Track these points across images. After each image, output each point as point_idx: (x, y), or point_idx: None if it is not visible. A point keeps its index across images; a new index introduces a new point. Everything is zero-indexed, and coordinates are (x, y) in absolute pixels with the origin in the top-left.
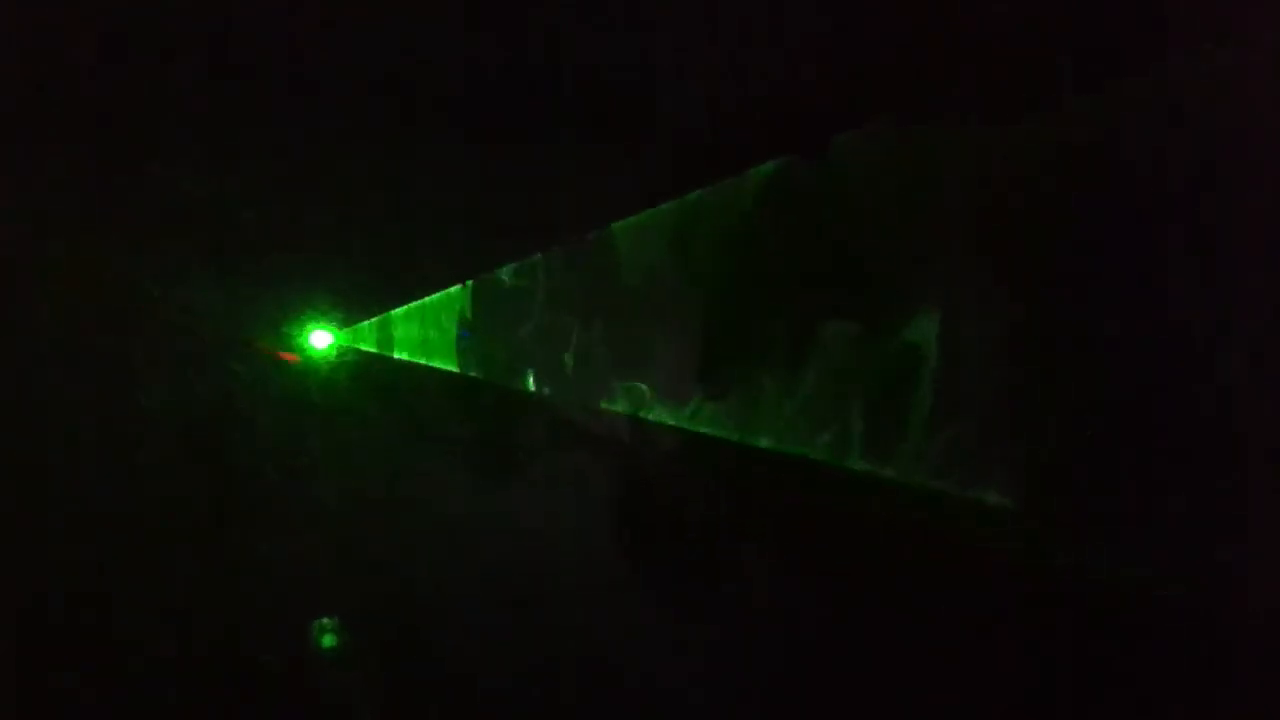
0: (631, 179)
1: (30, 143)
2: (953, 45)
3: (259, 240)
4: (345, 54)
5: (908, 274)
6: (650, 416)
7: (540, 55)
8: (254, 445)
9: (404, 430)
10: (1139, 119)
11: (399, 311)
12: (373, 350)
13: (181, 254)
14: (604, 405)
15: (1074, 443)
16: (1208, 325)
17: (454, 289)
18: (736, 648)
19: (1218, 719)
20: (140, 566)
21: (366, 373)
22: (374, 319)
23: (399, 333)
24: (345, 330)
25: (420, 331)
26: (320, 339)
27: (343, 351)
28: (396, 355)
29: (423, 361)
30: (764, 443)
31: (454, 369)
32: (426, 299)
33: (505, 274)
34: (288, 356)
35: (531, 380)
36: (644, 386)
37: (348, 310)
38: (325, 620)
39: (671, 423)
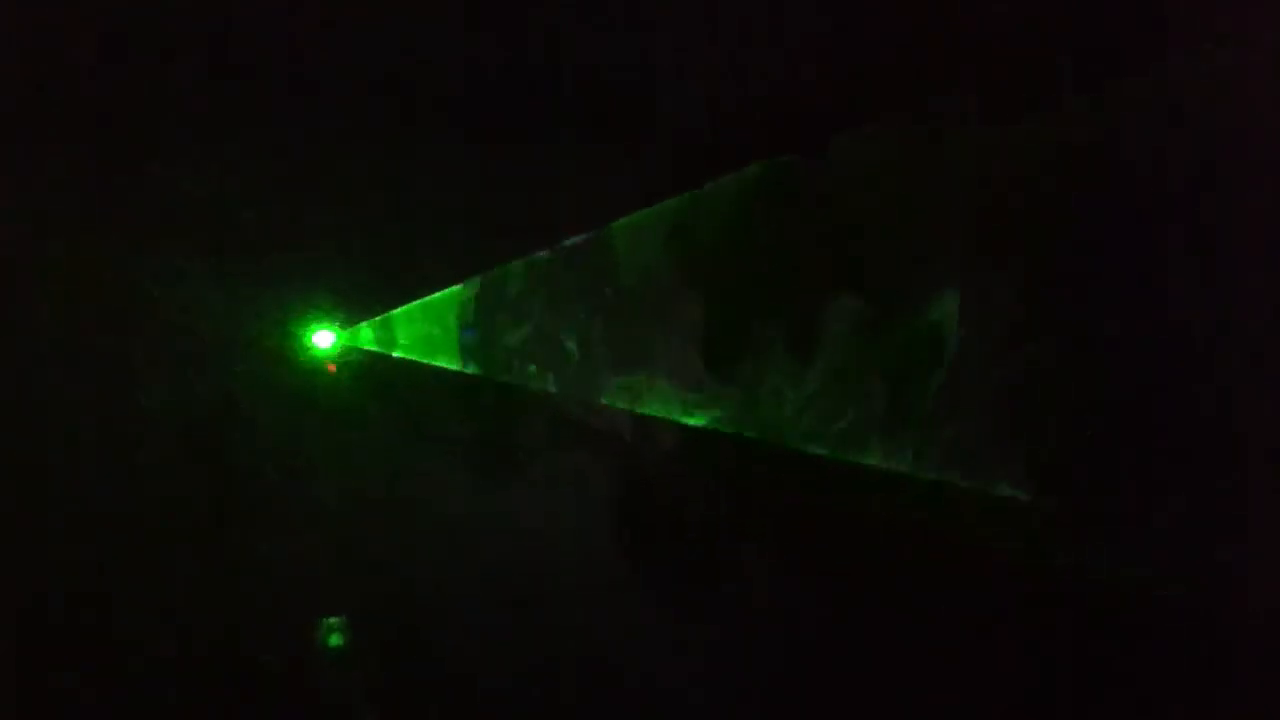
0: (631, 179)
1: (30, 143)
2: (953, 45)
3: (259, 240)
4: (345, 54)
5: (907, 274)
6: (652, 413)
7: (540, 55)
8: (254, 445)
9: (404, 430)
10: (1139, 119)
11: (399, 311)
12: (373, 350)
13: (181, 254)
14: (604, 402)
15: (1074, 442)
16: (1208, 325)
17: (455, 288)
18: (736, 648)
19: (1218, 718)
20: (140, 566)
21: (367, 372)
22: (374, 318)
23: (398, 332)
24: (345, 330)
25: (421, 330)
26: (320, 339)
27: (342, 351)
28: (396, 355)
29: (423, 361)
30: (765, 437)
31: (455, 367)
32: (427, 298)
33: (507, 272)
34: (288, 356)
35: (531, 379)
36: (644, 383)
37: (348, 310)
38: (325, 620)
39: (674, 419)
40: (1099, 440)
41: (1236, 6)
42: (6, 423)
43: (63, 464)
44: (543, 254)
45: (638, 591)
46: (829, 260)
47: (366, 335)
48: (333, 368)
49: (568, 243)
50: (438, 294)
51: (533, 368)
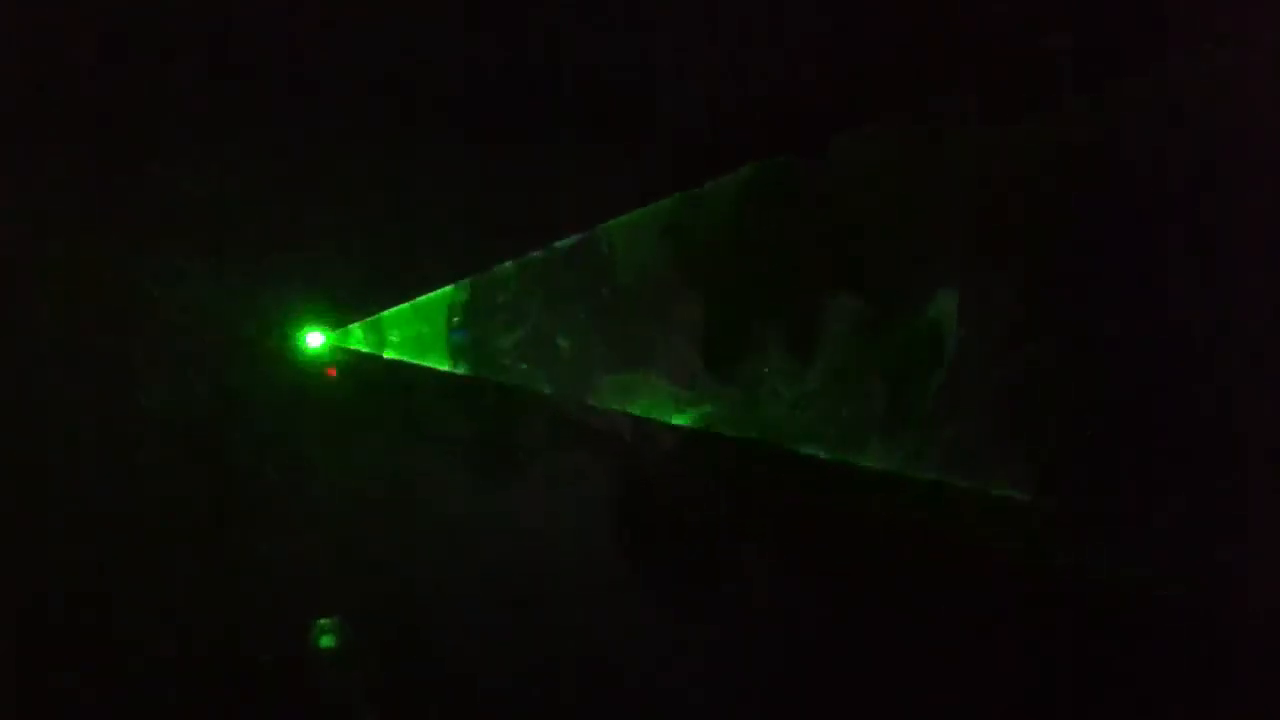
0: (631, 179)
1: (30, 143)
2: (953, 45)
3: (259, 240)
4: (345, 54)
5: (907, 274)
6: (651, 414)
7: (540, 55)
8: (254, 445)
9: (405, 430)
10: (1139, 119)
11: (399, 310)
12: (373, 350)
13: (181, 254)
14: (603, 402)
15: (1074, 442)
16: (1208, 325)
17: (452, 287)
18: (736, 648)
19: (1218, 718)
20: (140, 566)
21: (367, 372)
22: (373, 318)
23: (398, 332)
24: (345, 330)
25: (419, 330)
26: (320, 339)
27: (342, 351)
28: (396, 355)
29: (422, 361)
30: (765, 437)
31: (452, 368)
32: (426, 297)
33: (504, 271)
34: (289, 356)
35: (530, 378)
36: (645, 381)
37: (348, 310)
38: (325, 620)
39: (674, 421)
40: (1099, 440)
41: (1236, 6)
42: (6, 423)
43: (63, 464)
44: (539, 253)
45: (638, 591)
46: (828, 260)
47: (357, 336)
48: (333, 371)
49: (565, 242)
50: (434, 293)
51: (524, 365)
